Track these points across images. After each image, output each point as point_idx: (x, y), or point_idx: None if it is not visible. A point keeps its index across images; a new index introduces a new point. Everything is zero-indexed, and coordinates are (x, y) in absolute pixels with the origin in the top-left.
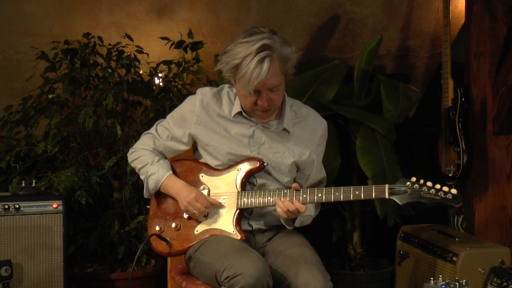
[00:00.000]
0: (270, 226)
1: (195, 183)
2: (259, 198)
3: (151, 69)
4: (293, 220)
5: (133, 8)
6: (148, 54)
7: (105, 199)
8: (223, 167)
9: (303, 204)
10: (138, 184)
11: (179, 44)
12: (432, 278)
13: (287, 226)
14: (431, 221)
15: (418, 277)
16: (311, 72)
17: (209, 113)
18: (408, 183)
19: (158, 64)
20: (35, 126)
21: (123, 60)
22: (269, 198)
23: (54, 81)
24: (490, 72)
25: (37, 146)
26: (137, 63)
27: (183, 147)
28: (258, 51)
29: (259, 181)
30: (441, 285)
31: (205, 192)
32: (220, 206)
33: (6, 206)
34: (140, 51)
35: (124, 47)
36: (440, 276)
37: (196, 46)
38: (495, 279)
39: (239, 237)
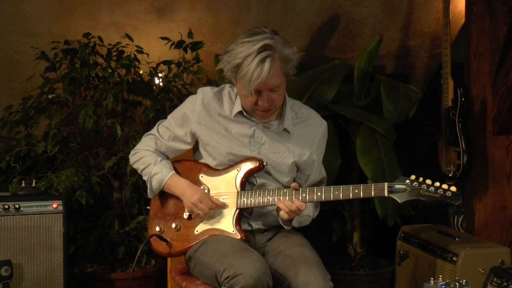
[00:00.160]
0: (270, 226)
1: (195, 183)
2: (259, 198)
3: (151, 69)
4: (291, 220)
5: (133, 8)
6: (148, 54)
7: (105, 199)
8: (223, 167)
9: (303, 202)
10: (138, 184)
11: (179, 44)
12: (432, 278)
13: (285, 227)
14: (431, 221)
15: (418, 277)
16: (311, 72)
17: (210, 113)
18: (408, 181)
19: (158, 64)
20: (35, 126)
21: (123, 60)
22: (268, 197)
23: (54, 81)
24: (490, 72)
25: (37, 146)
26: (137, 63)
27: (186, 147)
28: (260, 51)
29: (259, 181)
30: (441, 285)
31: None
32: (223, 206)
33: (6, 206)
34: (140, 51)
35: (124, 47)
36: (440, 276)
37: (196, 46)
38: (495, 279)
39: (239, 237)
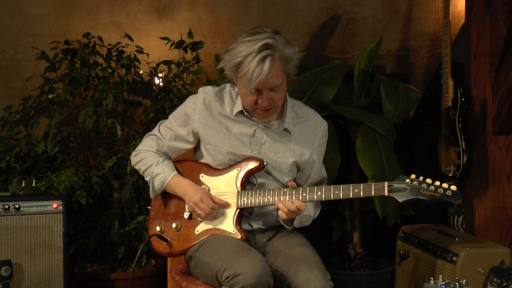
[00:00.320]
0: (270, 226)
1: (196, 183)
2: (259, 198)
3: (151, 69)
4: (292, 220)
5: (133, 8)
6: (148, 54)
7: (105, 199)
8: (223, 166)
9: (303, 202)
10: (138, 184)
11: (179, 44)
12: (432, 278)
13: (286, 226)
14: (431, 221)
15: (418, 277)
16: (311, 72)
17: (211, 112)
18: (408, 180)
19: (158, 64)
20: (35, 126)
21: (123, 60)
22: (269, 197)
23: (54, 81)
24: (490, 72)
25: (37, 146)
26: (137, 63)
27: (188, 146)
28: (260, 50)
29: (259, 180)
30: (441, 285)
31: None
32: (225, 206)
33: (6, 206)
34: (140, 51)
35: (124, 47)
36: (440, 276)
37: (196, 46)
38: (495, 279)
39: (239, 237)
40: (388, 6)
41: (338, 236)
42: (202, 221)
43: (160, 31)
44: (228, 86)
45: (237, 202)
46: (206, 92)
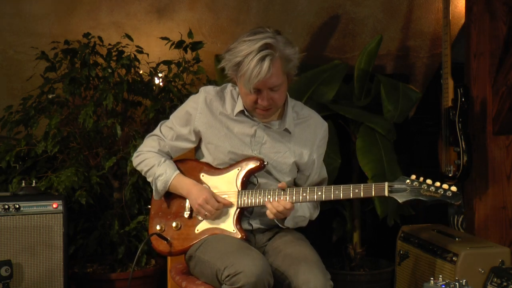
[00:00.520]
0: (270, 226)
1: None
2: (259, 197)
3: (151, 69)
4: (284, 219)
5: (133, 8)
6: (148, 54)
7: (105, 199)
8: (224, 166)
9: (290, 203)
10: (138, 184)
11: (179, 44)
12: (432, 278)
13: (280, 225)
14: (431, 221)
15: (418, 277)
16: (311, 72)
17: (212, 111)
18: (408, 180)
19: (158, 64)
20: (35, 126)
21: (123, 60)
22: (269, 197)
23: (54, 81)
24: (490, 72)
25: (37, 146)
26: (137, 63)
27: (190, 145)
28: (260, 49)
29: (260, 180)
30: (441, 285)
31: None
32: (229, 205)
33: (6, 206)
34: (140, 51)
35: (124, 47)
36: (440, 276)
37: (196, 46)
38: (495, 279)
39: (239, 236)
40: (388, 6)
41: (338, 236)
42: (202, 220)
43: (160, 31)
44: (229, 86)
45: (238, 201)
46: (207, 91)
